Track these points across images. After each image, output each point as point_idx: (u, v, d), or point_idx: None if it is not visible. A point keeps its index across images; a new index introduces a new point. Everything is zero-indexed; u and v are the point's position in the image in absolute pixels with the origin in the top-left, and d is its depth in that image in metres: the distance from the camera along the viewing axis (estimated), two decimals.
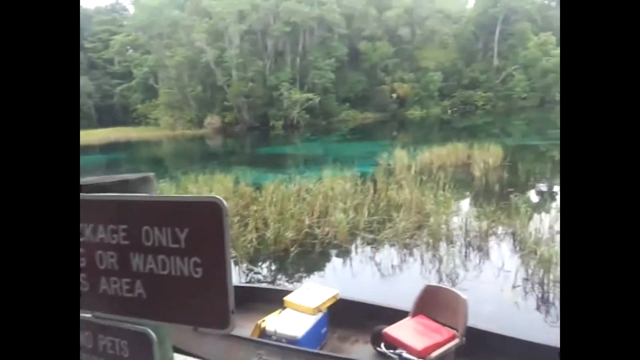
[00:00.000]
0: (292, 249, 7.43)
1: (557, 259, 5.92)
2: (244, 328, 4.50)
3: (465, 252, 7.13)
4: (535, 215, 8.26)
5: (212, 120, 42.14)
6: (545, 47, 46.68)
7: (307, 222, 8.35)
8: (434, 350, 3.65)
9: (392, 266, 6.92)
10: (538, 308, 5.45)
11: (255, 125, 41.81)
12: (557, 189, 11.78)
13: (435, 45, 50.63)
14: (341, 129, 37.92)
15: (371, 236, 7.95)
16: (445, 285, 5.49)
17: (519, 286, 5.90)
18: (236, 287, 4.75)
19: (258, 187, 11.23)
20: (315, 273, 7.00)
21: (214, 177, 11.89)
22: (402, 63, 46.97)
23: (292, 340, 4.03)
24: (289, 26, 40.83)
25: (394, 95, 46.19)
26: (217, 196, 1.25)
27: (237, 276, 6.82)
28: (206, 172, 13.50)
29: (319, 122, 41.76)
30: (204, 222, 1.22)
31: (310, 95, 40.40)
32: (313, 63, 41.75)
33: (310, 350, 4.01)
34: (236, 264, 7.18)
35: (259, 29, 42.20)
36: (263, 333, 4.20)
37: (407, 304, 4.30)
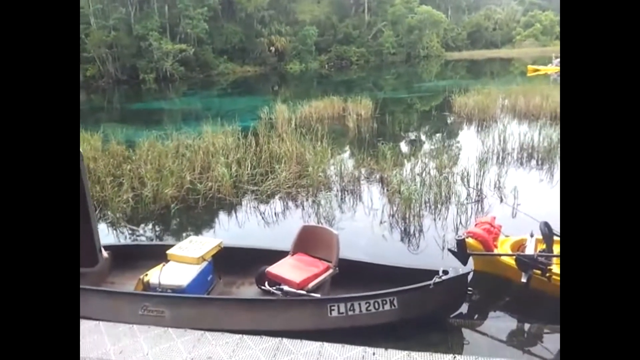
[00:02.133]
0: (174, 206, 7.29)
1: (416, 196, 6.84)
2: (130, 286, 4.43)
3: (341, 196, 7.77)
4: (401, 160, 9.25)
5: None
6: (410, 5, 49.92)
7: (188, 178, 8.17)
8: (311, 281, 4.07)
9: (276, 214, 7.25)
10: (402, 239, 6.27)
11: (123, 79, 37.96)
12: (420, 137, 13.21)
13: None
14: (221, 82, 36.51)
15: (255, 188, 8.15)
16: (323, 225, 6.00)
17: (385, 222, 6.71)
18: (117, 246, 4.58)
19: (131, 145, 10.52)
20: (201, 227, 7.02)
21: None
22: (278, 15, 46.15)
23: (177, 290, 4.10)
24: None
25: (272, 49, 45.55)
26: None
27: (114, 238, 6.53)
28: None
29: (195, 75, 39.52)
30: None
31: (183, 46, 37.74)
32: (184, 11, 38.70)
33: (196, 295, 4.14)
34: (113, 225, 6.83)
35: None
36: (147, 287, 4.18)
37: (289, 245, 4.65)
